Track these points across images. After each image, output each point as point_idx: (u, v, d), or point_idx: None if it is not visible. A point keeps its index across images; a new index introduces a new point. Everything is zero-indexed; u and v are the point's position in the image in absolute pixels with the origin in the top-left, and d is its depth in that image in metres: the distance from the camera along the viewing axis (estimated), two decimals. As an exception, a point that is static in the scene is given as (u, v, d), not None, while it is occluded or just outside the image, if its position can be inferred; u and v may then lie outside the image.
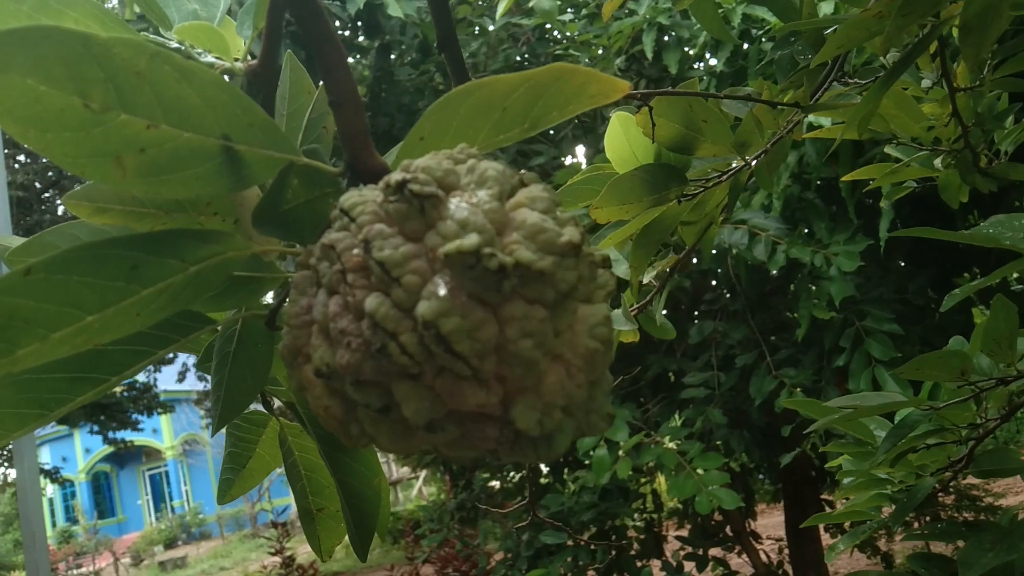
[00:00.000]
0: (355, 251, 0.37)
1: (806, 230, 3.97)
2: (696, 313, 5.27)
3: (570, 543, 4.72)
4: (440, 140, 0.45)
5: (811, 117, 1.62)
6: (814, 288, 3.97)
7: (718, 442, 4.51)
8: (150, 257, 0.39)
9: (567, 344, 0.38)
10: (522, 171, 0.44)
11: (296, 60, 0.64)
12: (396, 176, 0.37)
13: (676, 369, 4.94)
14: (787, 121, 1.04)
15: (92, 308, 0.38)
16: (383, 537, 0.83)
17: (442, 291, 0.35)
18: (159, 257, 0.40)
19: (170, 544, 21.40)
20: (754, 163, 1.05)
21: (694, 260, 4.68)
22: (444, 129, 0.46)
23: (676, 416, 4.79)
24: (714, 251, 4.47)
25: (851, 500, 1.33)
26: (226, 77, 0.59)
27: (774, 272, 4.10)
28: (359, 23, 5.10)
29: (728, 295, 4.88)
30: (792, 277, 4.33)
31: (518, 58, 5.20)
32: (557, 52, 4.85)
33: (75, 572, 18.18)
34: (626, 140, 0.96)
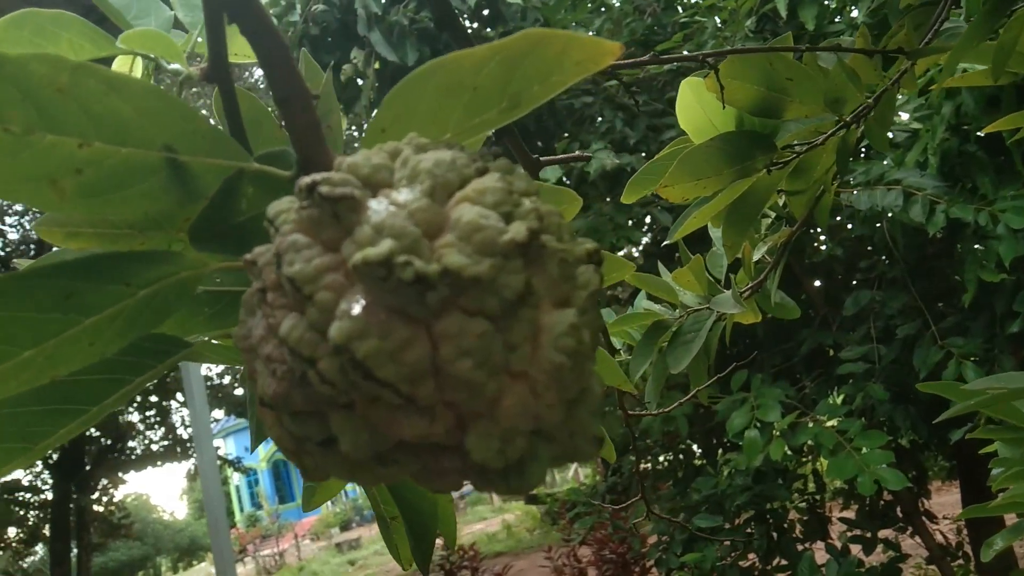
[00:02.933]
0: (272, 266, 0.33)
1: (968, 186, 3.63)
2: (854, 282, 4.96)
3: (727, 526, 4.58)
4: (405, 130, 0.40)
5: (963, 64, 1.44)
6: (981, 249, 3.63)
7: (881, 419, 4.23)
8: (87, 285, 0.37)
9: (528, 359, 0.33)
10: (497, 157, 0.38)
11: (311, 59, 0.61)
12: (307, 178, 0.32)
13: (832, 343, 4.67)
14: (897, 71, 0.92)
15: (27, 343, 0.36)
16: (453, 546, 0.79)
17: (356, 309, 0.30)
18: (98, 284, 0.38)
19: (345, 526, 22.58)
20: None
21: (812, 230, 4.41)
22: (408, 117, 0.41)
23: (834, 393, 4.53)
24: (867, 215, 4.18)
25: (1010, 491, 1.18)
26: (163, 85, 0.57)
27: (935, 234, 3.77)
28: (482, 14, 5.11)
29: (886, 261, 4.55)
30: (956, 238, 3.98)
31: (643, 32, 5.05)
32: (682, 20, 4.67)
33: (262, 553, 19.55)
34: (700, 109, 0.87)
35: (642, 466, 5.92)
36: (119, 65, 0.58)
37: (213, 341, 0.49)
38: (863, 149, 4.24)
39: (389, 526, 0.82)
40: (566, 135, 5.27)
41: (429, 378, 0.31)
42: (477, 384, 0.31)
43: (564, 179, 4.75)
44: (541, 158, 0.74)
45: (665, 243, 1.09)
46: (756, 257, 1.38)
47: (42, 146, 0.37)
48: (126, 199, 0.39)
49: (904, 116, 4.12)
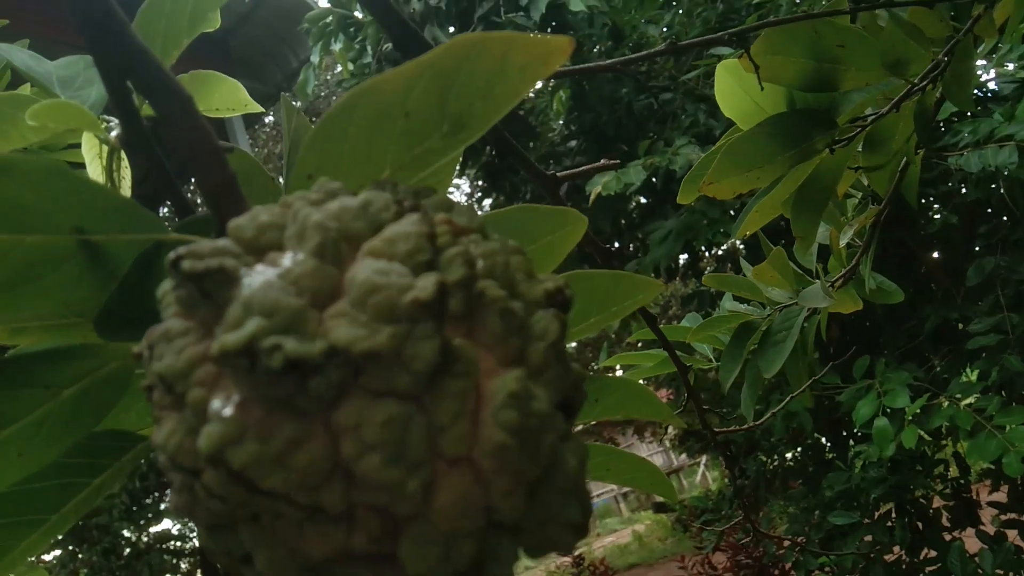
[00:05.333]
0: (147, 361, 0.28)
1: (1092, 131, 3.33)
2: (975, 249, 4.63)
3: (866, 521, 4.33)
4: (335, 174, 0.35)
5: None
6: (1114, 197, 3.32)
7: (1023, 392, 3.91)
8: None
9: (467, 440, 0.26)
10: (431, 195, 0.32)
11: (291, 104, 0.56)
12: (172, 252, 0.27)
13: (958, 317, 4.37)
14: (970, 18, 0.80)
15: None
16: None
17: (227, 409, 0.24)
18: (11, 391, 0.33)
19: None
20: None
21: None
22: (335, 158, 0.35)
23: (967, 370, 4.23)
24: (980, 177, 3.90)
25: None
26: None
27: (1058, 188, 3.47)
28: (548, 28, 5.06)
29: (1008, 223, 4.23)
30: (1084, 189, 3.65)
31: (717, 20, 4.88)
32: (756, 1, 4.49)
33: None
34: (743, 92, 0.79)
35: (771, 465, 5.69)
36: (86, 141, 0.55)
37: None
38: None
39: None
40: (651, 135, 5.14)
41: (335, 481, 0.25)
42: (393, 483, 0.25)
43: (652, 179, 4.63)
44: (559, 173, 0.67)
45: (730, 241, 1.00)
46: (844, 241, 1.26)
47: (-65, 246, 0.33)
48: (41, 291, 0.35)
49: (1009, 66, 3.84)
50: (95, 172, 0.53)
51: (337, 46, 5.63)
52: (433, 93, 0.34)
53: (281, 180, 0.60)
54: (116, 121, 0.51)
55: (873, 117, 0.83)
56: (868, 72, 0.77)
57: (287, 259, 0.27)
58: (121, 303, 0.35)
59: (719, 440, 1.24)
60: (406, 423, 0.25)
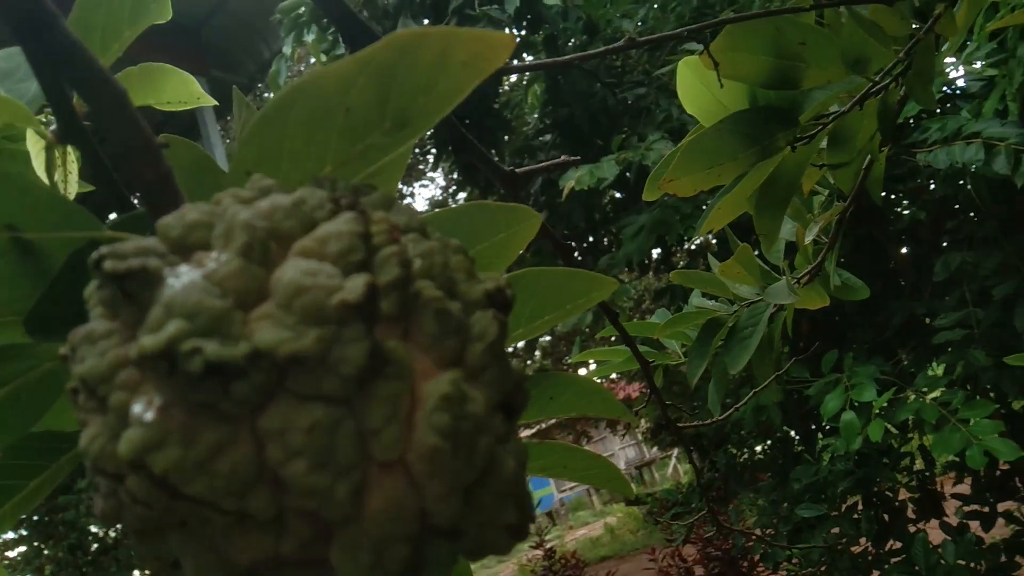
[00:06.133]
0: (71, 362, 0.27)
1: (1055, 130, 3.38)
2: (943, 245, 4.69)
3: (833, 513, 4.38)
4: (274, 170, 0.34)
5: None
6: (1077, 195, 3.38)
7: (987, 386, 3.97)
8: (-78, 393, 0.32)
9: (401, 443, 0.26)
10: (371, 193, 0.31)
11: (243, 97, 0.55)
12: (96, 253, 0.26)
13: (925, 312, 4.42)
14: (933, 16, 0.81)
15: None
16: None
17: (149, 414, 0.24)
18: (-62, 390, 0.32)
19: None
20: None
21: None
22: (274, 154, 0.34)
23: (933, 364, 4.29)
24: (948, 173, 3.95)
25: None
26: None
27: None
28: (523, 22, 5.04)
29: (975, 219, 4.29)
30: (1050, 186, 3.70)
31: (691, 15, 4.89)
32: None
33: None
34: (705, 88, 0.78)
35: (740, 458, 5.74)
36: (31, 134, 0.54)
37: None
38: (936, 107, 4.01)
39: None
40: (625, 130, 5.14)
41: (262, 486, 0.24)
42: (320, 489, 0.24)
43: (626, 173, 4.64)
44: (518, 170, 0.67)
45: (692, 239, 1.00)
46: (810, 238, 1.27)
47: None
48: (-30, 288, 0.34)
49: (977, 64, 3.89)
50: (39, 167, 0.52)
51: (310, 37, 5.58)
52: (373, 89, 0.33)
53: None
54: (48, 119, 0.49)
55: (835, 115, 0.84)
56: (829, 70, 0.77)
57: (212, 259, 0.26)
58: (52, 303, 0.34)
59: (684, 435, 1.24)
60: (334, 428, 0.25)
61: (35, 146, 0.52)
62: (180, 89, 0.62)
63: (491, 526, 0.28)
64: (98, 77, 0.33)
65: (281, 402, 0.24)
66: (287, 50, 5.65)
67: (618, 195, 5.42)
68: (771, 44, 0.74)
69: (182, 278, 0.25)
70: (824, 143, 0.98)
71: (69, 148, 0.53)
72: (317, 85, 0.33)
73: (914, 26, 0.79)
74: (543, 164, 0.68)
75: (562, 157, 0.71)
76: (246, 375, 0.24)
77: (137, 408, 0.24)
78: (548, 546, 6.72)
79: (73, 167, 0.53)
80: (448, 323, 0.28)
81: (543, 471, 0.57)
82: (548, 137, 5.54)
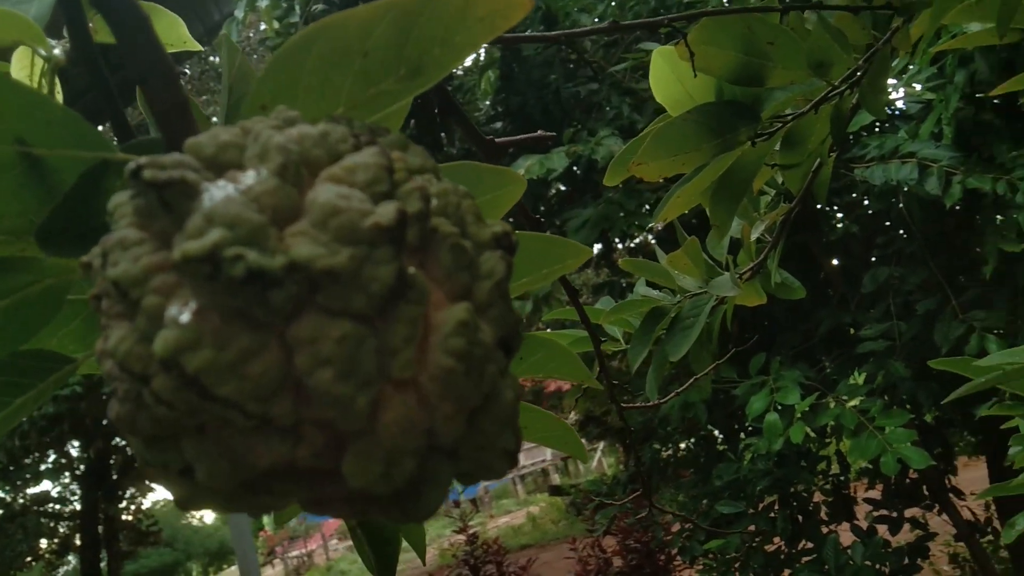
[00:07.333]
0: (100, 268, 0.28)
1: (985, 156, 3.53)
2: (872, 259, 4.86)
3: (751, 511, 4.52)
4: (288, 106, 0.35)
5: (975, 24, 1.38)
6: (1000, 219, 3.53)
7: (903, 396, 4.14)
8: (-76, 297, 0.32)
9: (415, 365, 0.28)
10: (386, 134, 0.33)
11: (232, 42, 0.56)
12: (133, 162, 0.27)
13: (851, 322, 4.58)
14: (890, 28, 0.85)
15: None
16: (423, 557, 0.74)
17: (185, 315, 0.25)
18: (-60, 296, 0.33)
19: (374, 525, 22.56)
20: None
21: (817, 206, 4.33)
22: (290, 91, 0.35)
23: (855, 372, 4.44)
24: (882, 190, 4.09)
25: (1029, 470, 1.11)
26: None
27: (953, 206, 3.68)
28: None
29: (904, 236, 4.46)
30: (975, 209, 3.87)
31: (649, 13, 4.95)
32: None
33: (290, 555, 19.67)
34: (676, 79, 0.81)
35: (664, 453, 5.86)
36: (18, 59, 0.53)
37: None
38: (876, 125, 4.15)
39: (357, 534, 0.77)
40: (575, 123, 5.19)
41: (286, 393, 0.26)
42: (343, 398, 0.26)
43: (574, 167, 4.68)
44: (497, 140, 0.69)
45: (650, 226, 1.03)
46: (755, 236, 1.32)
47: None
48: (-23, 199, 0.34)
49: (917, 87, 4.03)
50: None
51: (263, 3, 5.47)
52: (393, 35, 0.34)
53: (215, 120, 0.59)
54: (55, 41, 0.49)
55: (793, 116, 0.87)
56: (793, 71, 0.81)
57: (248, 177, 0.27)
58: (64, 218, 0.34)
59: (612, 428, 1.28)
60: (359, 342, 0.26)
61: (22, 71, 0.52)
62: (169, 31, 0.62)
63: (490, 450, 0.30)
64: (125, 0, 0.34)
65: (311, 314, 0.26)
66: (239, 14, 5.53)
67: (564, 188, 5.47)
68: (741, 41, 0.77)
69: (220, 191, 0.26)
70: (778, 144, 1.02)
71: (57, 80, 0.53)
72: (339, 26, 0.34)
73: (873, 34, 0.84)
74: (520, 137, 0.70)
75: (538, 132, 0.74)
76: (282, 285, 0.25)
77: (173, 311, 0.25)
78: (471, 531, 6.76)
79: (59, 95, 0.53)
80: (462, 258, 0.29)
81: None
82: (499, 125, 5.55)
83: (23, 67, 0.52)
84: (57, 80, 0.53)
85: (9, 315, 0.35)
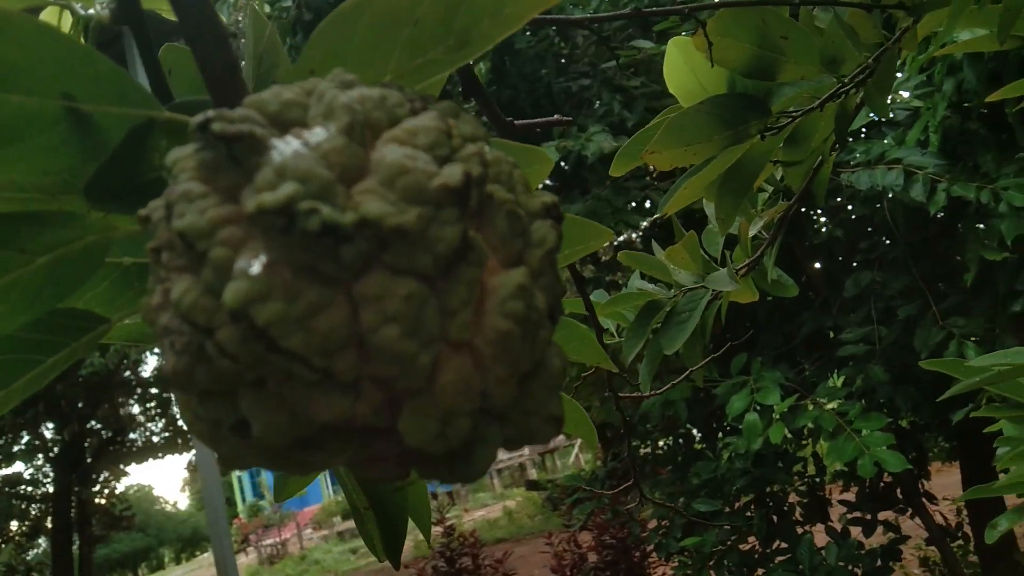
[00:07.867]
0: (164, 221, 0.28)
1: (970, 165, 3.57)
2: (854, 264, 4.91)
3: (727, 510, 4.56)
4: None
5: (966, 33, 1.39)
6: (983, 228, 3.58)
7: (881, 401, 4.19)
8: (-29, 249, 0.32)
9: (471, 327, 0.28)
10: (440, 99, 0.33)
11: (260, 13, 0.56)
12: (200, 116, 0.27)
13: (832, 325, 4.63)
14: (899, 28, 0.86)
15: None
16: (428, 539, 0.75)
17: (255, 267, 0.25)
18: (-12, 248, 0.33)
19: (347, 515, 22.60)
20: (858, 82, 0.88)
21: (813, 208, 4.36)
22: (339, 57, 0.36)
23: (834, 375, 4.49)
24: (867, 195, 4.13)
25: (1012, 471, 1.13)
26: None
27: (936, 214, 3.72)
28: None
29: (887, 242, 4.50)
30: (958, 217, 3.92)
31: (645, 7, 4.96)
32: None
33: (264, 543, 19.60)
34: (689, 70, 0.82)
35: (642, 451, 5.89)
36: (47, 17, 0.53)
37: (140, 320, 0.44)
38: (863, 130, 4.19)
39: (363, 516, 0.77)
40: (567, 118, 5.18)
41: (350, 349, 0.26)
42: (407, 356, 0.26)
43: (563, 163, 4.69)
44: (516, 121, 0.69)
45: (655, 216, 1.04)
46: (752, 233, 1.33)
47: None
48: (23, 154, 0.34)
49: (905, 94, 4.07)
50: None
51: (255, -14, 5.43)
52: (444, 5, 0.35)
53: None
54: None
55: (801, 112, 0.88)
56: (805, 67, 0.82)
57: (315, 134, 0.27)
58: (111, 175, 0.34)
59: (620, 405, 1.29)
60: (423, 301, 0.26)
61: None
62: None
63: (537, 415, 0.30)
64: (179, -43, 0.34)
65: (378, 271, 0.26)
66: (231, -5, 5.48)
67: (552, 183, 5.47)
68: (755, 34, 0.78)
69: (288, 147, 0.27)
70: (782, 140, 1.03)
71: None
72: (393, -7, 0.34)
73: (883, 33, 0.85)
74: (539, 120, 0.71)
75: (556, 116, 0.74)
76: (352, 241, 0.25)
77: (242, 263, 0.25)
78: (448, 523, 6.77)
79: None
80: (517, 225, 0.30)
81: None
82: (448, 88, 5.53)
83: (51, 22, 0.52)
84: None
85: (51, 271, 0.35)
